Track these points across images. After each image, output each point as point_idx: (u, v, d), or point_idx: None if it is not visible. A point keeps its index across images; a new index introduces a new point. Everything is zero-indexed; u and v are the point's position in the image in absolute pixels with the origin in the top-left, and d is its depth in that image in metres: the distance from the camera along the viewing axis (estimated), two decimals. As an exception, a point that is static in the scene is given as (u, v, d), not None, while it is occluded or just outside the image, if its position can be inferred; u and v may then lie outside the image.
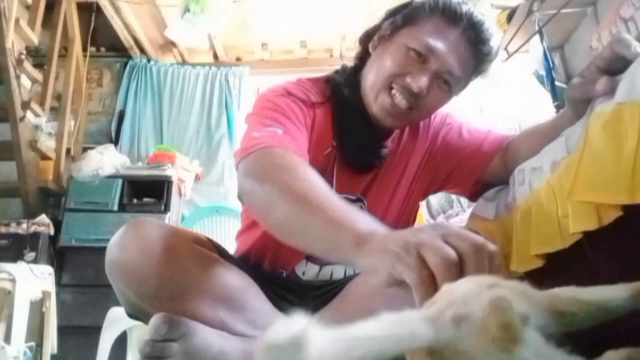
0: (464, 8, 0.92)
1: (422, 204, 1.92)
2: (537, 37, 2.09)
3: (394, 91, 0.92)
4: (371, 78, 0.96)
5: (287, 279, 1.05)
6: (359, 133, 0.97)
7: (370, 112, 0.96)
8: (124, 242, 0.87)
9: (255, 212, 0.80)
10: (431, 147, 1.09)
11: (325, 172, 0.96)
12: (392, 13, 0.98)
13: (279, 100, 0.93)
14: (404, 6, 0.97)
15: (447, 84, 0.93)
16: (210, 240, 1.00)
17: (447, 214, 1.77)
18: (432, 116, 1.09)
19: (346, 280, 0.99)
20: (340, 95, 1.00)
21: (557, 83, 2.10)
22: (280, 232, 0.71)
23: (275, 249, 1.03)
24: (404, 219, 1.10)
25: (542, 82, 2.20)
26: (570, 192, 0.69)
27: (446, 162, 1.08)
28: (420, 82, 0.89)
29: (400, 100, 0.92)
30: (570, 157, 0.79)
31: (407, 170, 1.06)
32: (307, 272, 1.04)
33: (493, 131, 1.09)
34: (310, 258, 1.03)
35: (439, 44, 0.89)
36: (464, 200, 1.76)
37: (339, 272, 1.06)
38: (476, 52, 0.93)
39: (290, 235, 0.69)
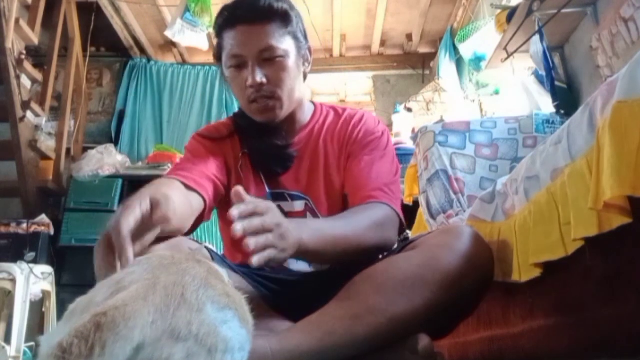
0: (232, 8, 1.05)
1: (422, 204, 1.91)
2: (537, 37, 2.09)
3: (252, 105, 1.07)
4: (240, 103, 1.13)
5: (275, 272, 1.07)
6: (261, 147, 1.12)
7: (258, 121, 1.11)
8: None
9: None
10: (346, 144, 1.14)
11: (253, 176, 1.12)
12: (215, 54, 1.14)
13: (189, 144, 1.16)
14: (217, 45, 1.13)
15: (275, 57, 1.04)
16: (199, 244, 1.00)
17: (447, 213, 1.77)
18: (359, 117, 1.17)
19: (333, 274, 1.00)
20: (240, 126, 1.17)
21: (557, 83, 2.10)
22: None
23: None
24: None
25: (542, 82, 2.20)
26: (597, 193, 0.67)
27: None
28: (251, 80, 1.03)
29: (256, 104, 1.06)
30: (575, 163, 0.79)
31: (329, 159, 1.13)
32: None
33: (373, 186, 1.07)
34: None
35: (236, 48, 1.04)
36: (464, 201, 1.76)
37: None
38: (269, 18, 1.04)
39: None
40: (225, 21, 1.06)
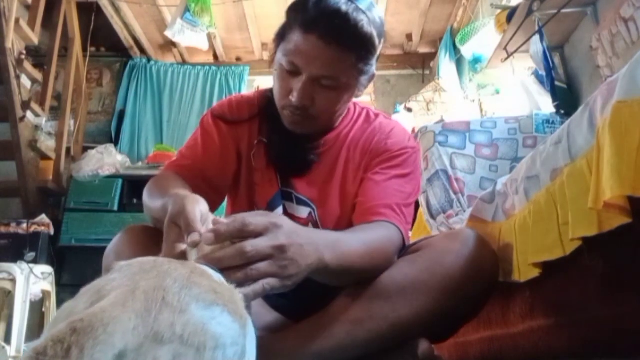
0: (320, 10, 0.88)
1: (423, 204, 1.91)
2: (537, 37, 2.09)
3: (285, 111, 0.96)
4: (275, 98, 1.00)
5: None
6: (281, 143, 1.01)
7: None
8: (120, 248, 0.88)
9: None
10: (367, 156, 1.04)
11: (266, 167, 1.02)
12: (277, 31, 0.99)
13: (205, 121, 1.06)
14: (283, 26, 0.97)
15: (333, 86, 0.92)
16: None
17: (447, 213, 1.77)
18: (387, 129, 1.06)
19: None
20: (266, 111, 1.05)
21: (557, 83, 2.10)
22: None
23: None
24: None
25: (542, 82, 2.20)
26: (597, 193, 0.67)
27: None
28: (296, 98, 0.91)
29: (291, 116, 0.96)
30: (575, 163, 0.79)
31: (348, 169, 1.03)
32: None
33: (380, 207, 0.94)
34: None
35: (298, 57, 0.90)
36: (464, 201, 1.76)
37: None
38: (346, 46, 0.88)
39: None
40: (305, 20, 0.89)
